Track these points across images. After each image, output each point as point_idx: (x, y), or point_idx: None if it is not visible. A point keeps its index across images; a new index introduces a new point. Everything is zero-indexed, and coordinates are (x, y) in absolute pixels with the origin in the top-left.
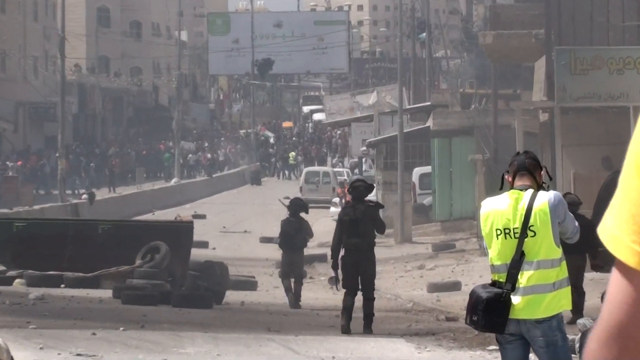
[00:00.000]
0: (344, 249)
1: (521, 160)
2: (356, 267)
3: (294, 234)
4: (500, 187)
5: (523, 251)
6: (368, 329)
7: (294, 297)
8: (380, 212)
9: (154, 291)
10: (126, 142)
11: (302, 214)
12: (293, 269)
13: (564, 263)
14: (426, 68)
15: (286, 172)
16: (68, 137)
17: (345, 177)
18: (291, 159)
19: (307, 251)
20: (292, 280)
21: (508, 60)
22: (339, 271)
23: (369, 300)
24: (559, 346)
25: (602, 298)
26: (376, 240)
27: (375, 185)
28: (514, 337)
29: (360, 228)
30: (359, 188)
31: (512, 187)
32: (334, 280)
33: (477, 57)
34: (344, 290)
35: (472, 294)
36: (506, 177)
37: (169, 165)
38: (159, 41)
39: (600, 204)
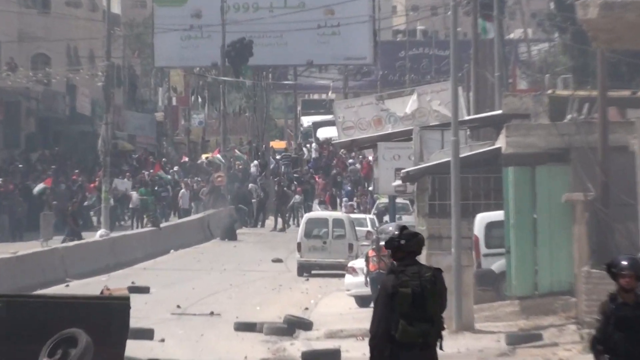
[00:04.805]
0: (396, 343)
1: None
2: None
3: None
4: None
5: None
6: None
7: None
8: None
9: None
10: (26, 172)
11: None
12: None
13: None
14: (495, 57)
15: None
16: None
17: (370, 228)
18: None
19: (309, 345)
20: None
21: (623, 44)
22: None
23: None
24: None
25: None
26: None
27: None
28: None
29: (429, 307)
30: (419, 239)
31: None
32: None
33: (574, 40)
34: None
35: None
36: None
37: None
38: (77, 14)
39: None
